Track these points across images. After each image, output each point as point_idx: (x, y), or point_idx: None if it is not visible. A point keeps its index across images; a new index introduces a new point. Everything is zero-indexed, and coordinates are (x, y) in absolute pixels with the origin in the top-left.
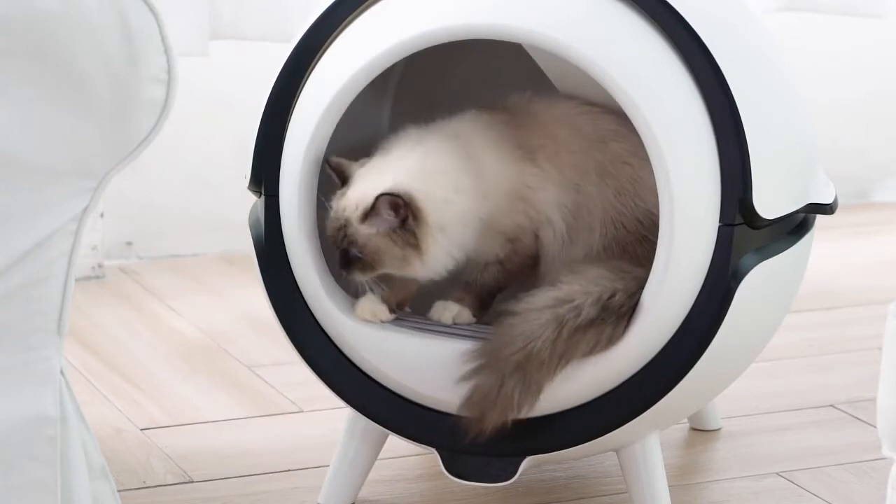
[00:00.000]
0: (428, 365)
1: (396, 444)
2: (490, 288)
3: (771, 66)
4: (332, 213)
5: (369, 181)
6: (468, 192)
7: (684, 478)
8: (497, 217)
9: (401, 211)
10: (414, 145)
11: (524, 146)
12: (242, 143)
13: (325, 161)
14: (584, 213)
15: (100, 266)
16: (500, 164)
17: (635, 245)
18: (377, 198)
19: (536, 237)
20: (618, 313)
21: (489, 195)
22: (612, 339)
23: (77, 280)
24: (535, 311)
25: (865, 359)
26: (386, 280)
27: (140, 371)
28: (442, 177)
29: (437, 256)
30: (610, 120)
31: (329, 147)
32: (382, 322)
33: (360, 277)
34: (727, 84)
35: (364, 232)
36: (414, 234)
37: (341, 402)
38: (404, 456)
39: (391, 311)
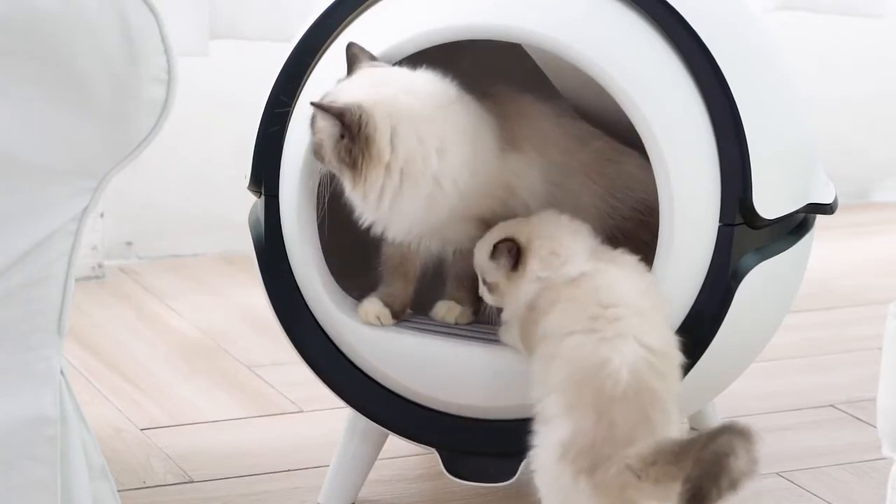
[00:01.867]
0: (428, 365)
1: (396, 444)
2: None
3: (771, 66)
4: (328, 93)
5: (356, 87)
6: (447, 160)
7: None
8: (474, 201)
9: (353, 128)
10: (438, 90)
11: (510, 136)
12: (242, 143)
13: (349, 44)
14: (569, 210)
15: (100, 266)
16: (488, 153)
17: (637, 229)
18: (344, 106)
19: None
20: None
21: (470, 182)
22: None
23: (77, 280)
24: None
25: (865, 359)
26: (386, 280)
27: (140, 371)
28: (434, 128)
29: (371, 192)
30: (585, 123)
31: None
32: (384, 325)
33: (317, 158)
34: (727, 84)
35: (319, 123)
36: (350, 154)
37: (341, 402)
38: (404, 456)
39: (394, 315)
